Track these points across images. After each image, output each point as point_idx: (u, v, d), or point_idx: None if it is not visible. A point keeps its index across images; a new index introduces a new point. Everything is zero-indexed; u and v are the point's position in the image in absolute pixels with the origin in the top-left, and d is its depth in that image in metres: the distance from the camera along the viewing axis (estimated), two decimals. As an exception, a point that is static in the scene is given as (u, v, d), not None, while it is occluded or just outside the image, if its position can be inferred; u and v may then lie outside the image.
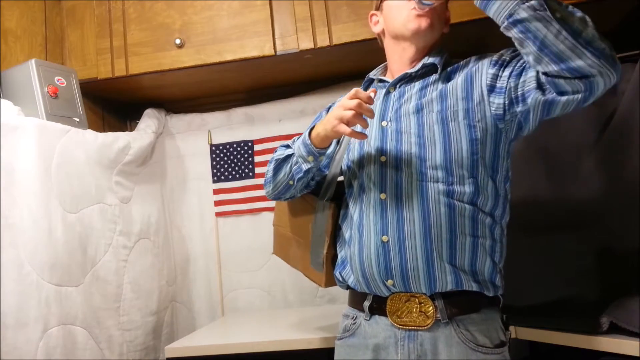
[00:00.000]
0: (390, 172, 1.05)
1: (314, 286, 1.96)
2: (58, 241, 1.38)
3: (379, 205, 1.04)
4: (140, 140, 1.84)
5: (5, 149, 1.29)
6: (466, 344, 0.99)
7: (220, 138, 2.09)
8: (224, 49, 1.71)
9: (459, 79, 1.07)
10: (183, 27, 1.74)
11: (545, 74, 0.90)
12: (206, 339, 1.53)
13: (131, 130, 2.09)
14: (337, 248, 1.18)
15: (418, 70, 1.11)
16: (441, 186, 1.01)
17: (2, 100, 1.36)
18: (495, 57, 1.04)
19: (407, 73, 1.12)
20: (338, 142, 1.22)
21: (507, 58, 1.02)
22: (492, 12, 0.92)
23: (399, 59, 1.15)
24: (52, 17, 1.79)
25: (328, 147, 1.12)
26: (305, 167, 1.13)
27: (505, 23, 0.90)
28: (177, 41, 1.72)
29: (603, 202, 1.28)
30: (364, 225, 1.06)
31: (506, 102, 0.99)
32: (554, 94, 0.92)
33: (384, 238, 1.02)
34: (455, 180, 1.01)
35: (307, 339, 1.38)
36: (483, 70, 1.04)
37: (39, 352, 1.26)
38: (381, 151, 1.07)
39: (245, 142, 2.06)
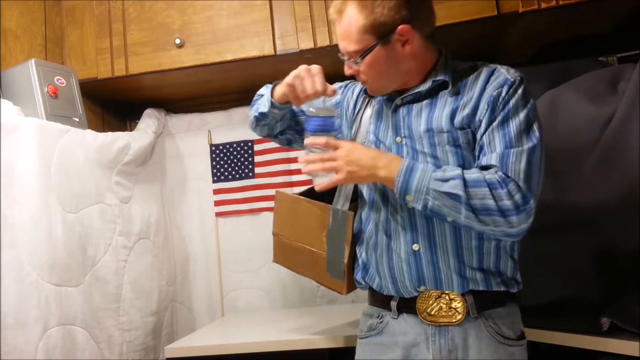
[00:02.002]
0: None
1: (314, 286, 1.96)
2: (58, 241, 1.38)
3: (407, 214, 1.05)
4: (140, 140, 1.84)
5: (5, 149, 1.29)
6: (494, 337, 1.02)
7: (220, 138, 2.09)
8: (224, 48, 1.71)
9: (470, 98, 1.02)
10: (183, 27, 1.74)
11: None
12: (206, 339, 1.53)
13: (131, 130, 2.09)
14: (357, 251, 1.17)
15: (427, 88, 1.06)
16: None
17: (2, 100, 1.36)
18: (488, 114, 1.00)
19: (416, 92, 1.07)
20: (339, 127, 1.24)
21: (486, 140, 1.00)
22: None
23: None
24: (52, 17, 1.79)
25: (284, 105, 1.19)
26: (261, 109, 1.22)
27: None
28: (177, 41, 1.72)
29: (603, 202, 1.28)
30: (393, 232, 1.07)
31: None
32: None
33: (415, 247, 1.03)
34: None
35: (307, 339, 1.38)
36: (486, 105, 1.00)
37: (39, 352, 1.26)
38: None
39: (245, 142, 2.06)
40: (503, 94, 0.99)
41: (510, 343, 1.02)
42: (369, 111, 1.17)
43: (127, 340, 1.61)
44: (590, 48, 1.78)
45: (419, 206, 0.97)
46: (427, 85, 1.06)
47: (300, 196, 1.30)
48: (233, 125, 2.08)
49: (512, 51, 1.84)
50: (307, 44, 1.65)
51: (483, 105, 1.00)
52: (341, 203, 1.17)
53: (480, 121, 0.99)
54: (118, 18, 1.78)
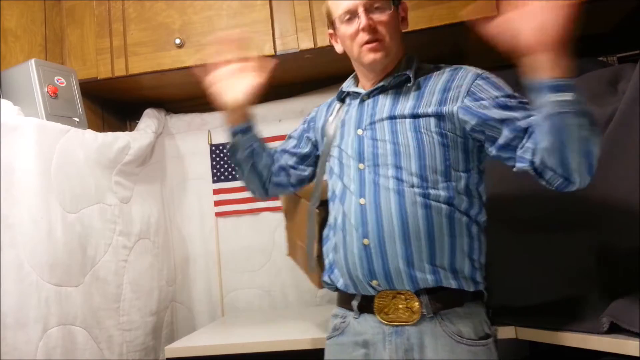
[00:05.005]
0: (368, 178, 1.09)
1: (314, 286, 1.96)
2: (58, 241, 1.38)
3: (359, 210, 1.08)
4: (140, 140, 1.84)
5: (5, 149, 1.29)
6: (451, 337, 1.03)
7: (220, 138, 2.08)
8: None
9: (433, 89, 1.10)
10: (183, 27, 1.74)
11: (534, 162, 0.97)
12: (206, 339, 1.53)
13: (131, 130, 2.08)
14: (324, 253, 1.20)
15: (391, 82, 1.13)
16: (417, 190, 1.04)
17: (2, 100, 1.36)
18: (475, 90, 1.05)
19: (382, 85, 1.15)
20: (316, 147, 1.29)
21: (486, 104, 1.03)
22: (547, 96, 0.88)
23: (366, 75, 1.19)
24: (52, 17, 1.79)
25: (239, 125, 1.22)
26: (229, 150, 1.27)
27: (552, 111, 0.88)
28: (177, 41, 1.72)
29: (603, 202, 1.28)
30: (347, 229, 1.10)
31: (476, 136, 1.06)
32: (528, 167, 0.99)
33: (365, 241, 1.06)
34: (430, 184, 1.05)
35: (307, 339, 1.38)
36: (460, 93, 1.06)
37: (39, 352, 1.26)
38: (359, 159, 1.11)
39: (245, 142, 2.06)
40: (487, 85, 1.05)
41: (470, 343, 1.03)
42: (337, 118, 1.22)
43: (127, 340, 1.61)
44: (590, 48, 1.78)
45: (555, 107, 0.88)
46: (388, 80, 1.13)
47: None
48: (233, 125, 2.08)
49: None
50: (307, 44, 1.65)
51: (462, 96, 1.05)
52: (313, 201, 1.23)
53: (467, 108, 1.04)
54: (118, 18, 1.78)
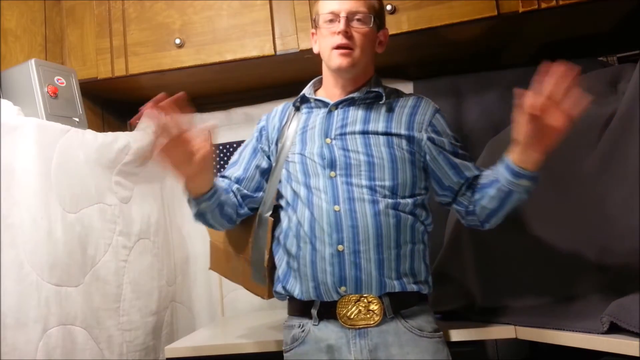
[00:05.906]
0: (342, 186, 1.11)
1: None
2: (58, 241, 1.38)
3: (333, 217, 1.09)
4: (140, 140, 1.84)
5: (5, 149, 1.29)
6: (412, 332, 1.09)
7: (220, 138, 2.08)
8: (224, 48, 1.71)
9: (402, 112, 1.19)
10: (183, 27, 1.74)
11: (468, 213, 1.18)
12: (206, 339, 1.53)
13: (131, 130, 2.08)
14: (276, 262, 1.20)
15: (362, 96, 1.18)
16: (390, 200, 1.10)
17: (2, 100, 1.36)
18: (435, 123, 1.19)
19: (352, 97, 1.19)
20: (269, 157, 1.28)
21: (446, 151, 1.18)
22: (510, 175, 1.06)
23: (334, 83, 1.22)
24: (52, 17, 1.79)
25: (205, 194, 1.14)
26: (194, 212, 1.19)
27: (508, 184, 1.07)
28: (177, 41, 1.72)
29: (603, 202, 1.28)
30: (317, 236, 1.10)
31: (429, 165, 1.19)
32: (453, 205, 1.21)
33: (340, 248, 1.07)
34: (399, 196, 1.12)
35: (307, 339, 1.37)
36: (425, 122, 1.18)
37: (39, 352, 1.26)
38: (330, 167, 1.13)
39: (245, 142, 2.06)
40: (443, 121, 1.20)
41: (429, 335, 1.10)
42: (294, 125, 1.23)
43: (127, 340, 1.61)
44: (590, 48, 1.78)
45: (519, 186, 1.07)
46: (361, 93, 1.18)
47: None
48: (233, 125, 2.08)
49: (512, 51, 1.84)
50: (307, 44, 1.65)
51: (426, 125, 1.17)
52: (265, 210, 1.24)
53: (432, 139, 1.17)
54: (118, 18, 1.78)
